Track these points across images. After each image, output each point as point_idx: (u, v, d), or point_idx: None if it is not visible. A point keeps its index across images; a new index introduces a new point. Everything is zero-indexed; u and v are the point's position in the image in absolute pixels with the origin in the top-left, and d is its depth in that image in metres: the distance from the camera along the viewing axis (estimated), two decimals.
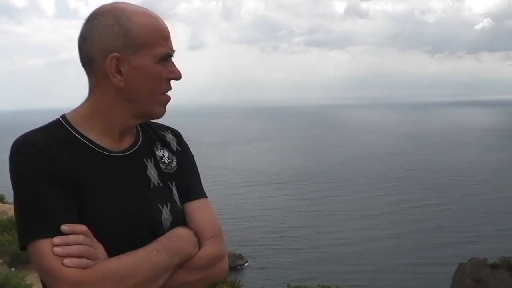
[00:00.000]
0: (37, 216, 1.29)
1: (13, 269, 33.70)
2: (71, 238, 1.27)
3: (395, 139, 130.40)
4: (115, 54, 1.38)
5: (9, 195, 62.64)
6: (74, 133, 1.43)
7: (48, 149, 1.34)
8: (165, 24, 1.47)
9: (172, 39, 1.47)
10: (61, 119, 1.46)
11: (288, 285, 29.42)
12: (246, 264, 42.76)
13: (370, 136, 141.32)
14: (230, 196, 66.64)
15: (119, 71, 1.40)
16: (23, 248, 1.33)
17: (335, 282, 30.12)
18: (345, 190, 71.68)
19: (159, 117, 1.52)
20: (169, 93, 1.51)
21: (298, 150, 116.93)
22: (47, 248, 1.26)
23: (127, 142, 1.51)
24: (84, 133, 1.43)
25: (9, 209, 49.04)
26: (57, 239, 1.26)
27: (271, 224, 55.87)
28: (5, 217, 43.74)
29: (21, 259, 38.13)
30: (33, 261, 1.30)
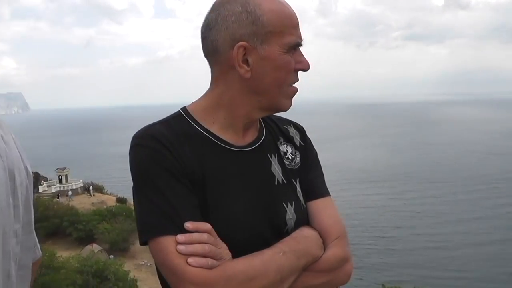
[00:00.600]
0: (159, 212, 1.24)
1: (111, 256, 35.54)
2: (195, 236, 1.22)
3: (496, 138, 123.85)
4: (243, 43, 1.30)
5: (109, 186, 66.38)
6: (196, 126, 1.37)
7: (169, 143, 1.29)
8: (294, 11, 1.38)
9: (300, 28, 1.39)
10: (181, 111, 1.41)
11: (383, 285, 28.65)
12: None
13: (469, 134, 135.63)
14: None
15: (246, 61, 1.32)
16: (144, 243, 1.27)
17: None
18: (443, 191, 69.08)
19: (285, 109, 1.43)
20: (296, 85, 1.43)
21: (395, 148, 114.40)
22: (170, 245, 1.21)
23: (250, 136, 1.44)
24: (206, 126, 1.37)
25: (108, 200, 51.93)
26: (181, 237, 1.21)
27: (365, 223, 54.96)
28: (104, 207, 46.26)
29: (119, 247, 40.05)
30: (155, 257, 1.25)
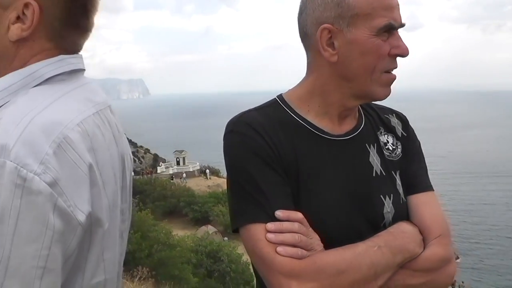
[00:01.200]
0: (251, 199, 1.24)
1: (225, 238, 36.39)
2: (285, 225, 1.21)
3: None
4: (327, 25, 1.28)
5: (224, 170, 68.22)
6: (292, 114, 1.35)
7: (264, 130, 1.28)
8: None
9: (399, 10, 1.31)
10: (277, 99, 1.39)
11: None
12: (458, 260, 40.03)
13: None
14: (444, 186, 62.78)
15: (331, 45, 1.29)
16: (235, 230, 1.28)
17: None
18: None
19: (380, 98, 1.37)
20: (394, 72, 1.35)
21: None
22: (260, 233, 1.21)
23: (348, 125, 1.39)
24: (302, 114, 1.35)
25: (223, 183, 53.26)
26: (271, 225, 1.20)
27: (488, 221, 51.83)
28: (220, 190, 47.54)
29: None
30: (245, 245, 1.26)
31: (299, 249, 1.18)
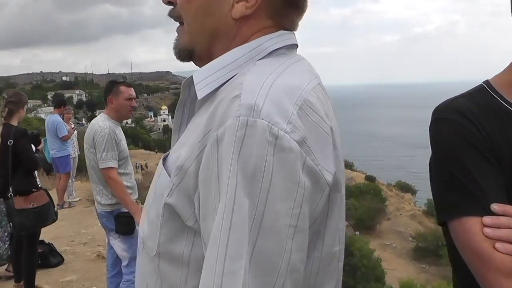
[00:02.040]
0: (465, 191, 1.16)
1: (357, 233, 36.00)
2: (503, 220, 1.12)
3: None
4: None
5: (357, 163, 67.03)
6: (501, 101, 1.25)
7: (474, 117, 1.20)
8: None
9: None
10: (484, 85, 1.30)
11: None
12: None
13: None
14: None
15: None
16: (443, 223, 1.22)
17: None
18: None
19: None
20: None
21: None
22: (475, 227, 1.13)
23: None
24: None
25: (356, 176, 53.01)
26: (488, 219, 1.12)
27: None
28: (353, 183, 46.85)
29: (365, 224, 40.31)
30: (456, 239, 1.18)
31: None
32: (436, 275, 34.35)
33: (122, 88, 3.90)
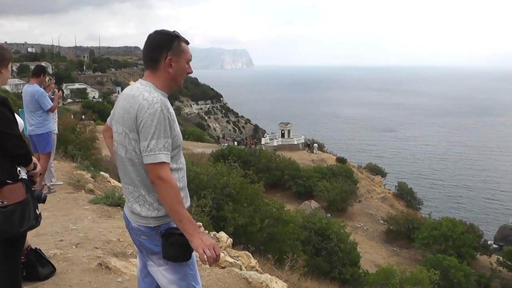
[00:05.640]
0: None
1: (328, 215, 36.11)
2: None
3: None
4: None
5: (327, 145, 66.30)
6: None
7: None
8: None
9: None
10: None
11: None
12: None
13: None
14: None
15: None
16: None
17: None
18: None
19: None
20: None
21: None
22: None
23: None
24: None
25: (328, 158, 56.83)
26: None
27: None
28: (325, 165, 47.74)
29: (337, 206, 40.32)
30: None
31: None
32: (408, 258, 34.30)
33: (184, 46, 2.64)
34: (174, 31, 2.64)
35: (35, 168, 3.29)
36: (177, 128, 2.61)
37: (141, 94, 2.55)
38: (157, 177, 2.45)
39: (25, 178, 3.19)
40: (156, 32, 2.63)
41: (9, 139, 3.02)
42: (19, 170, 3.15)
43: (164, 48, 2.58)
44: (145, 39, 2.60)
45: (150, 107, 2.47)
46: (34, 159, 3.30)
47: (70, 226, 6.00)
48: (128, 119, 2.55)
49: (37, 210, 3.25)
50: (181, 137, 2.66)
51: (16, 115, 3.18)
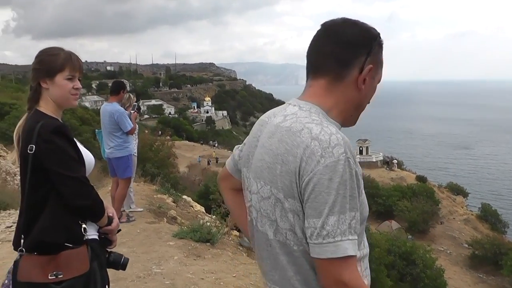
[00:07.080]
0: None
1: (410, 237, 35.05)
2: None
3: None
4: None
5: (406, 162, 64.44)
6: None
7: None
8: None
9: None
10: None
11: None
12: None
13: None
14: None
15: None
16: None
17: None
18: None
19: None
20: None
21: None
22: None
23: None
24: None
25: (407, 176, 52.09)
26: None
27: None
28: (404, 183, 45.52)
29: (418, 228, 39.09)
30: None
31: None
32: (495, 286, 32.38)
33: (382, 56, 1.61)
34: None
35: (110, 223, 2.36)
36: (363, 188, 1.48)
37: (306, 128, 1.41)
38: (338, 282, 1.35)
39: (94, 239, 2.31)
40: (350, 22, 1.53)
41: (67, 183, 2.14)
42: (84, 228, 2.23)
43: (364, 48, 1.51)
44: (320, 28, 1.56)
45: (326, 154, 1.34)
46: (110, 209, 2.40)
47: (153, 269, 5.11)
48: (283, 173, 1.42)
49: (106, 280, 2.34)
50: (367, 204, 1.55)
51: (81, 147, 2.34)
